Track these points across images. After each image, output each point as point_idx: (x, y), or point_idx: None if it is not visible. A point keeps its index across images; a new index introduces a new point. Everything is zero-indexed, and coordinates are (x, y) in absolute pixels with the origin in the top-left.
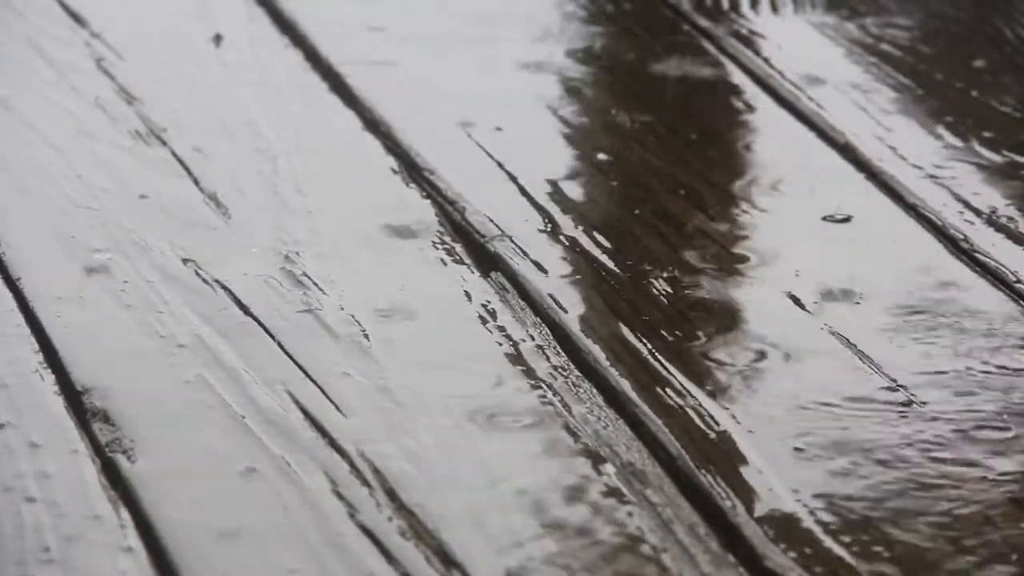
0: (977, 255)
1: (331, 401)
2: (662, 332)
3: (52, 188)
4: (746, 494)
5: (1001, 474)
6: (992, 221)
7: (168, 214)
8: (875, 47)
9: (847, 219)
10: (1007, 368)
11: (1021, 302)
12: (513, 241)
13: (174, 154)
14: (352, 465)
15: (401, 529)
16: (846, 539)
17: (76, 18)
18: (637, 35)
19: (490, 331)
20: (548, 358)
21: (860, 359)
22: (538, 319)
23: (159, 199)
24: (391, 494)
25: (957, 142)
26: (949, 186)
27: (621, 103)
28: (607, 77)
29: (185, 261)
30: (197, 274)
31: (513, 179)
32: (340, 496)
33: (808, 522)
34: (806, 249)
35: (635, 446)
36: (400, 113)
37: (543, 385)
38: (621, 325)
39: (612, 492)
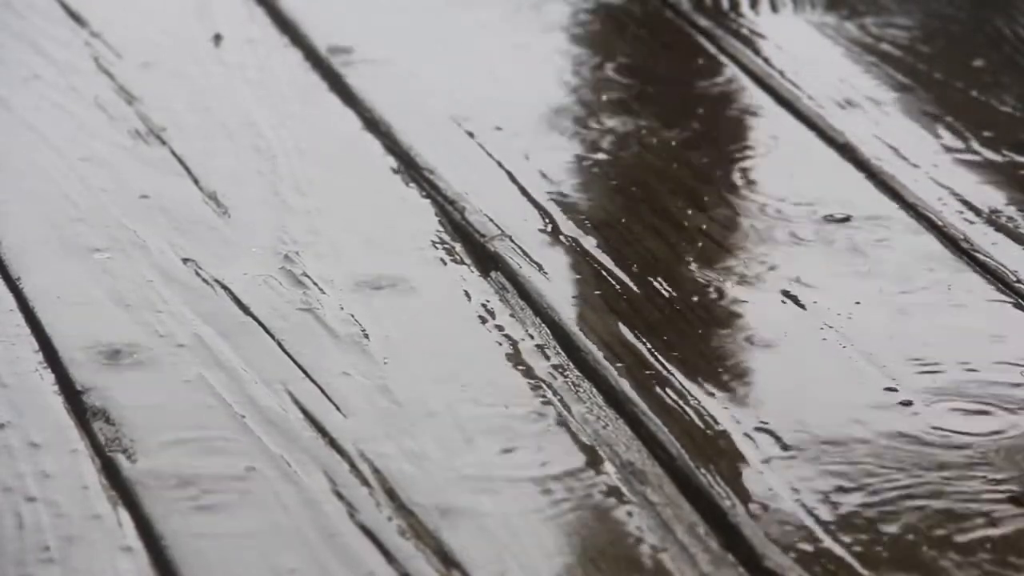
0: (977, 255)
1: (331, 401)
2: (662, 332)
3: (52, 188)
4: (746, 494)
5: (1001, 473)
6: (992, 221)
7: (168, 214)
8: (875, 47)
9: (847, 219)
10: (1007, 368)
11: (1021, 302)
12: (513, 241)
13: (174, 154)
14: (352, 465)
15: (401, 529)
16: (846, 539)
17: (76, 18)
18: (637, 35)
19: (489, 330)
20: (548, 357)
21: (860, 359)
22: (538, 319)
23: (159, 199)
24: (391, 494)
25: (957, 142)
26: (949, 186)
27: (621, 103)
28: (607, 76)
29: (185, 261)
30: (197, 274)
31: (513, 179)
32: (340, 496)
33: (808, 522)
34: (806, 249)
35: (635, 445)
36: (400, 113)
37: (543, 384)
38: (621, 325)
39: (612, 492)
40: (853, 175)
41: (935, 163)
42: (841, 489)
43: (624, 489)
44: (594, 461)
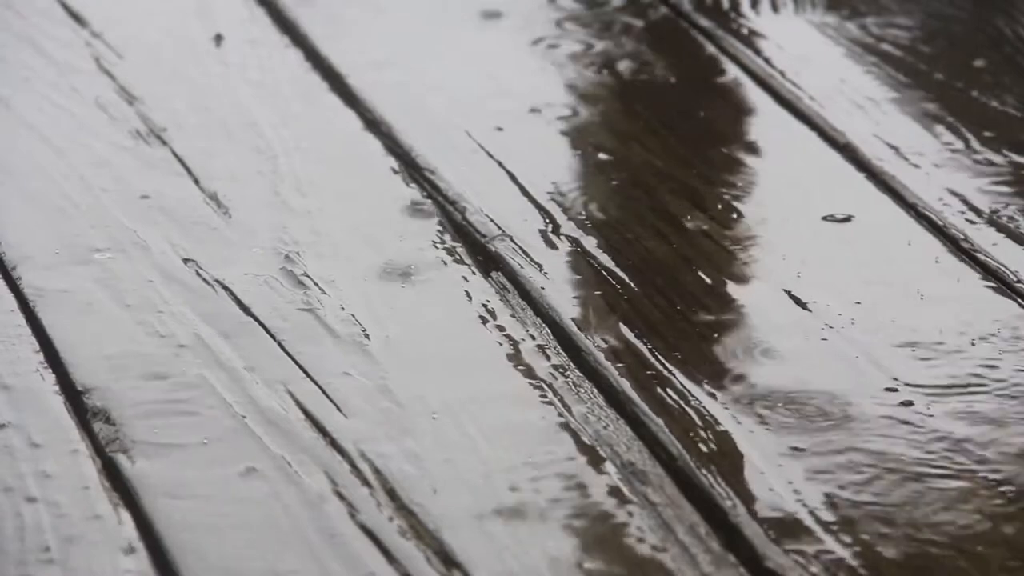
0: (978, 255)
1: (331, 401)
2: (662, 332)
3: (52, 188)
4: (746, 494)
5: (1001, 474)
6: (992, 221)
7: (168, 214)
8: (875, 47)
9: (847, 219)
10: (1007, 368)
11: (1021, 302)
12: (513, 241)
13: (174, 154)
14: (352, 465)
15: (401, 529)
16: (846, 539)
17: (76, 18)
18: (637, 35)
19: (490, 331)
20: (548, 358)
21: (861, 359)
22: (538, 319)
23: (159, 199)
24: (391, 494)
25: (957, 142)
26: (949, 186)
27: (621, 103)
28: (607, 77)
29: (186, 261)
30: (198, 274)
31: (513, 179)
32: (340, 496)
33: (808, 522)
34: (806, 249)
35: (636, 446)
36: (400, 113)
37: (543, 385)
38: (621, 325)
39: (613, 492)
40: (854, 175)
41: (935, 163)
42: (841, 489)
43: (625, 489)
44: (595, 461)
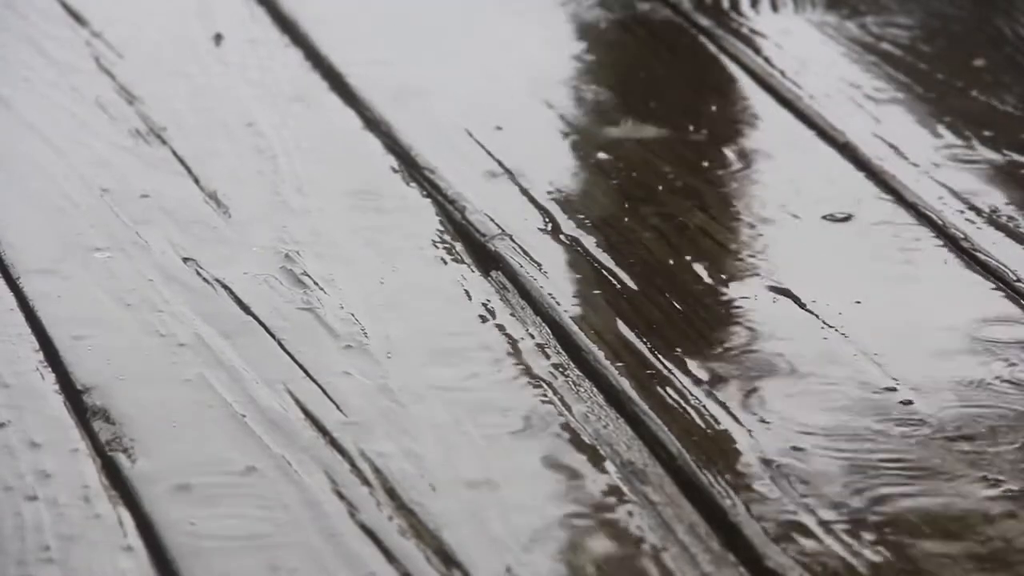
0: (977, 254)
1: (331, 400)
2: (662, 331)
3: (52, 188)
4: (746, 494)
5: (1001, 473)
6: (992, 220)
7: (168, 213)
8: (875, 46)
9: (847, 219)
10: (1007, 368)
11: (1021, 302)
12: (513, 240)
13: (174, 153)
14: (352, 464)
15: (401, 529)
16: (846, 539)
17: (77, 18)
18: (637, 34)
19: (490, 330)
20: (548, 357)
21: (860, 358)
22: (538, 318)
23: (159, 198)
24: (391, 493)
25: (957, 141)
26: (949, 185)
27: (621, 102)
28: (607, 76)
29: (185, 260)
30: (197, 273)
31: (513, 178)
32: (340, 496)
33: (808, 522)
34: (806, 249)
35: (635, 445)
36: (400, 113)
37: (543, 384)
38: (621, 324)
39: (612, 491)
40: (854, 175)
41: (935, 163)
42: (842, 489)
43: (625, 489)
44: (595, 461)
